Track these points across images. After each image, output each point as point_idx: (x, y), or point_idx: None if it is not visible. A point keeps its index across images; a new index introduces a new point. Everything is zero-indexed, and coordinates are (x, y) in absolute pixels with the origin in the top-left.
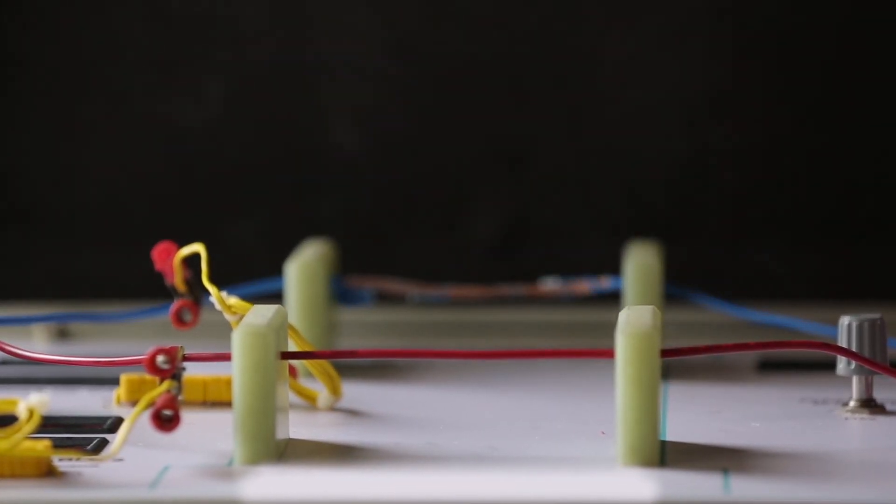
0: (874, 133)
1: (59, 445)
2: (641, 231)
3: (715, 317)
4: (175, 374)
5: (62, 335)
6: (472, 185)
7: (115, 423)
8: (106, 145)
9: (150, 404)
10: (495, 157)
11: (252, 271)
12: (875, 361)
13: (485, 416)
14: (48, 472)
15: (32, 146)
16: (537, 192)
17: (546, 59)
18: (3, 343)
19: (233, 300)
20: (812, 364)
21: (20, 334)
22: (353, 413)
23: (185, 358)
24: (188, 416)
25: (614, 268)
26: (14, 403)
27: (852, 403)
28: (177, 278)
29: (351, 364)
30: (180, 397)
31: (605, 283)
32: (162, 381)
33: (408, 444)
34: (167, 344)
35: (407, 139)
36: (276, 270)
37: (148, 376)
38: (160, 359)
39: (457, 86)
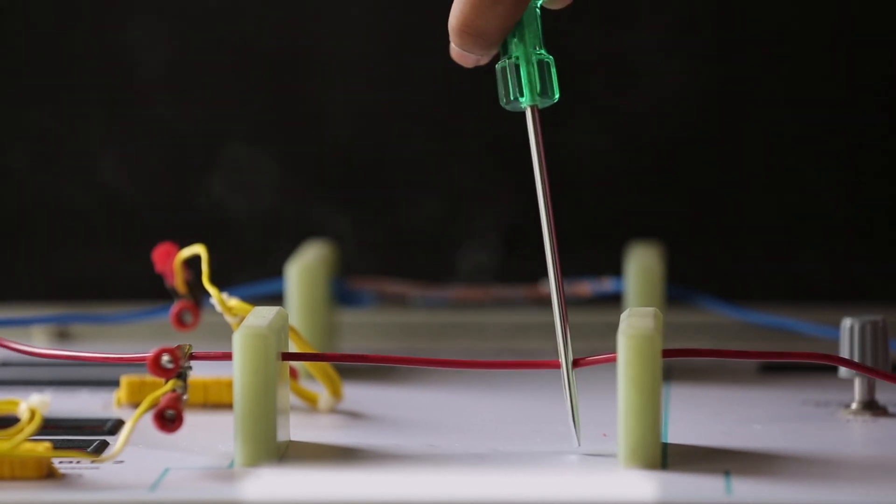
0: (876, 133)
1: (59, 447)
2: (643, 233)
3: (716, 318)
4: (181, 374)
5: (62, 336)
6: (472, 186)
7: (115, 425)
8: (106, 145)
9: (154, 405)
10: (496, 157)
11: (253, 273)
12: (876, 369)
13: (486, 418)
14: (48, 474)
15: (33, 146)
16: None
17: None
18: (7, 340)
19: (233, 302)
20: (814, 366)
21: (20, 335)
22: (353, 415)
23: (193, 357)
24: (189, 418)
25: (616, 269)
26: (15, 404)
27: (854, 405)
28: (177, 280)
29: (351, 366)
30: (185, 397)
31: (606, 284)
32: (167, 381)
33: (408, 446)
34: (169, 345)
35: (407, 140)
36: (277, 272)
37: (148, 378)
38: (164, 358)
39: (458, 86)
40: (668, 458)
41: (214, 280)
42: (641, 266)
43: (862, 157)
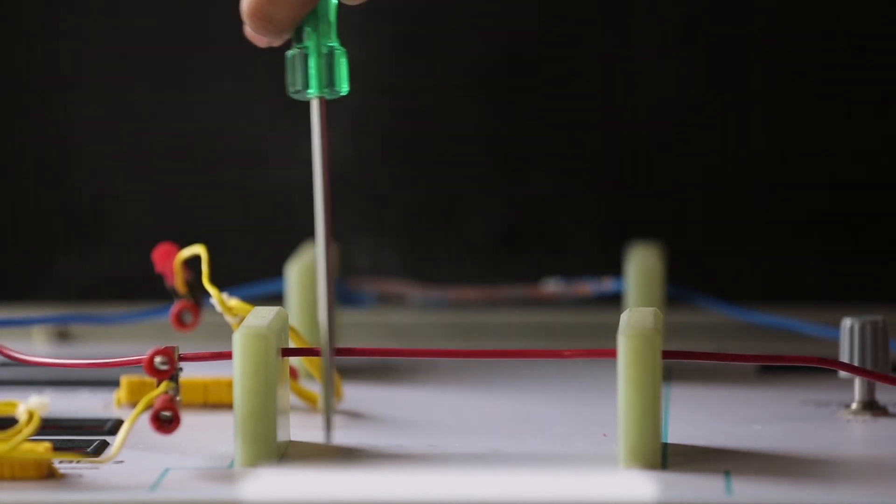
0: (877, 132)
1: (59, 447)
2: (643, 233)
3: (717, 318)
4: (172, 375)
5: (62, 337)
6: (473, 185)
7: (115, 426)
8: (106, 145)
9: (149, 406)
10: (497, 157)
11: (253, 273)
12: (875, 372)
13: (486, 418)
14: (48, 475)
15: (32, 146)
16: (539, 193)
17: (547, 58)
18: (2, 346)
19: (233, 302)
20: (814, 367)
21: (20, 336)
22: (353, 415)
23: (181, 358)
24: (189, 419)
25: (616, 269)
26: (14, 406)
27: (854, 406)
28: (177, 280)
29: (352, 366)
30: (178, 398)
31: (606, 284)
32: (160, 382)
33: (409, 446)
34: (162, 346)
35: (406, 139)
36: (277, 272)
37: (148, 378)
38: (158, 360)
39: (457, 86)
40: (668, 458)
41: (214, 280)
42: (641, 266)
43: (861, 157)
